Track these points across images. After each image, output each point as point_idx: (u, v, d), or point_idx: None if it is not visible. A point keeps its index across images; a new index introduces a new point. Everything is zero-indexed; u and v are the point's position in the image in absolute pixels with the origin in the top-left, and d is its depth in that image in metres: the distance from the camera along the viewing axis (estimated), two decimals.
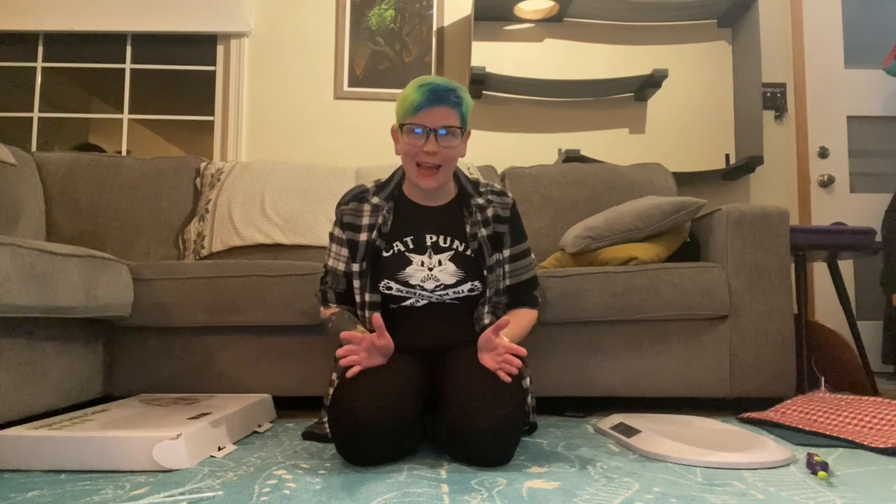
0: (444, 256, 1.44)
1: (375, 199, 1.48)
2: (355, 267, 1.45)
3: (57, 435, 1.17)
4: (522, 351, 1.25)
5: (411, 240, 1.45)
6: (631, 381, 1.85)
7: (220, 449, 1.31)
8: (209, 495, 1.00)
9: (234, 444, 1.39)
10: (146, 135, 3.41)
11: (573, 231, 2.03)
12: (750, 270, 1.86)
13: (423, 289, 1.43)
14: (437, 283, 1.43)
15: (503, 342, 1.27)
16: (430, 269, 1.43)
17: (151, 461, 1.15)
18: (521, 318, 1.49)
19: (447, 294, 1.44)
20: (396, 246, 1.45)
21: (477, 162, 3.02)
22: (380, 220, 1.44)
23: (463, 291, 1.45)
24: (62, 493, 1.02)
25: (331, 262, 1.51)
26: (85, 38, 3.11)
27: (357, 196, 1.49)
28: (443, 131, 1.36)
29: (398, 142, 1.43)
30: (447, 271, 1.43)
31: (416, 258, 1.44)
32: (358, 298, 1.46)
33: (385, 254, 1.45)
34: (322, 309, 1.54)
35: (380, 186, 1.51)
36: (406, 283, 1.43)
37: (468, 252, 1.45)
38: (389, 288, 1.44)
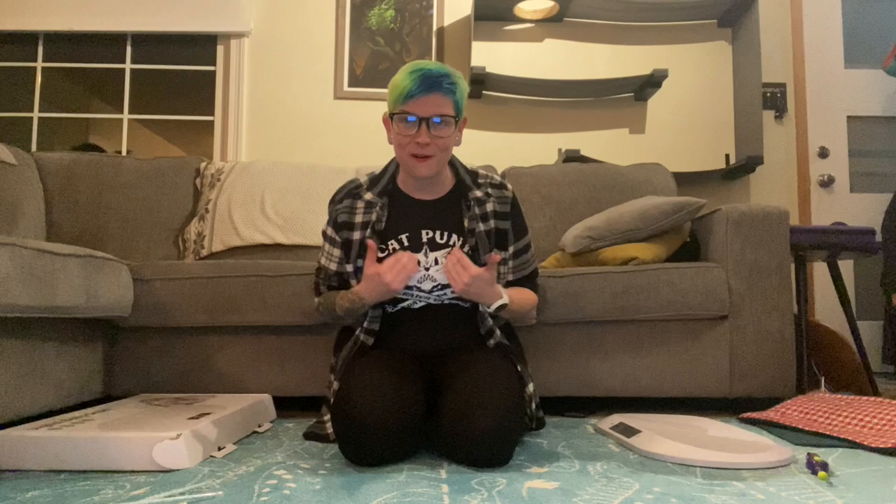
0: (441, 254, 1.41)
1: (369, 196, 1.44)
2: (349, 267, 1.43)
3: (57, 435, 1.17)
4: (471, 270, 1.28)
5: (406, 237, 1.42)
6: (631, 381, 1.85)
7: (220, 449, 1.31)
8: (209, 495, 1.00)
9: (234, 444, 1.39)
10: (146, 135, 3.41)
11: (573, 231, 2.03)
12: (750, 270, 1.86)
13: (420, 290, 1.41)
14: (435, 284, 1.41)
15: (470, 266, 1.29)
16: (427, 269, 1.40)
17: (151, 461, 1.15)
18: (523, 291, 1.48)
19: (445, 294, 1.42)
20: (391, 245, 1.42)
21: (477, 162, 3.02)
22: (374, 216, 1.41)
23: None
24: (62, 493, 1.02)
25: (323, 261, 1.50)
26: (85, 38, 3.12)
27: (350, 192, 1.46)
28: (436, 119, 1.30)
29: (390, 130, 1.38)
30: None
31: None
32: None
33: (380, 254, 1.41)
34: (316, 299, 1.55)
35: (373, 180, 1.47)
36: None
37: (466, 249, 1.42)
38: None
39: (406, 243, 1.41)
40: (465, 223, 1.42)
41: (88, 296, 1.48)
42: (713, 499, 0.98)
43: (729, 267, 1.87)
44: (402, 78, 1.30)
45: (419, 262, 1.39)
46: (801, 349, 2.07)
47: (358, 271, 1.42)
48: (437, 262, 1.40)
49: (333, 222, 1.45)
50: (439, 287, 1.41)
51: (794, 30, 3.15)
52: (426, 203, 1.45)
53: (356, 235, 1.42)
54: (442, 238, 1.42)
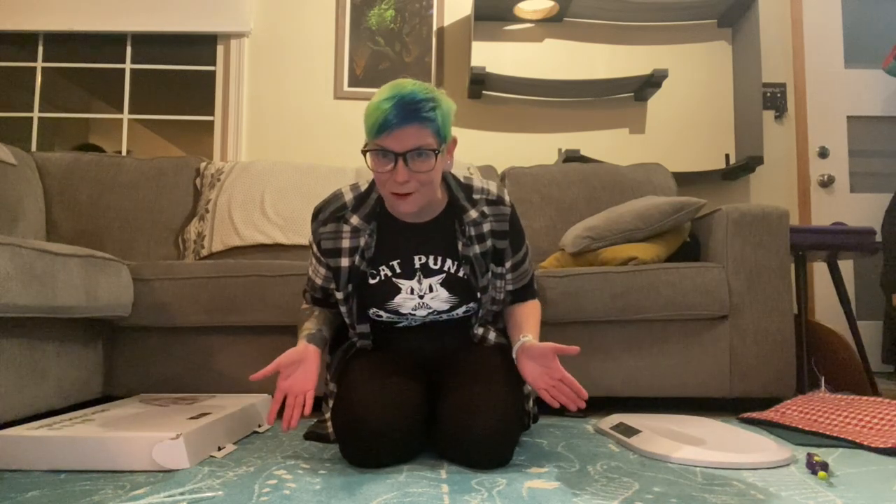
0: (435, 281, 1.33)
1: (355, 220, 1.31)
2: (339, 295, 1.35)
3: (57, 435, 1.17)
4: (582, 392, 1.20)
5: (398, 263, 1.33)
6: (631, 381, 1.85)
7: (220, 449, 1.31)
8: (209, 495, 1.00)
9: (234, 444, 1.39)
10: (146, 135, 3.41)
11: (573, 231, 2.03)
12: (750, 270, 1.86)
13: (414, 317, 1.37)
14: (430, 311, 1.36)
15: (561, 370, 1.22)
16: (421, 297, 1.33)
17: (151, 461, 1.15)
18: (536, 315, 1.44)
19: (440, 318, 1.39)
20: (382, 271, 1.33)
21: (477, 162, 3.02)
22: (362, 243, 1.30)
23: (458, 315, 1.39)
24: (62, 493, 1.02)
25: (310, 271, 1.43)
26: (85, 38, 3.11)
27: (334, 215, 1.32)
28: (414, 153, 1.16)
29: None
30: (439, 298, 1.34)
31: (404, 284, 1.33)
32: (348, 320, 1.38)
33: (371, 280, 1.34)
34: (304, 305, 1.51)
35: (359, 199, 1.33)
36: (396, 312, 1.35)
37: (461, 273, 1.33)
38: (379, 316, 1.37)
39: (398, 270, 1.33)
40: (459, 248, 1.32)
41: (88, 296, 1.48)
42: (713, 499, 0.98)
43: (729, 267, 1.87)
44: (375, 105, 1.15)
45: (412, 290, 1.33)
46: (801, 349, 2.07)
47: (348, 297, 1.34)
48: (431, 290, 1.33)
49: (318, 247, 1.34)
50: (434, 313, 1.36)
51: (794, 30, 3.15)
52: (417, 226, 1.34)
53: (344, 262, 1.32)
54: (435, 263, 1.33)
